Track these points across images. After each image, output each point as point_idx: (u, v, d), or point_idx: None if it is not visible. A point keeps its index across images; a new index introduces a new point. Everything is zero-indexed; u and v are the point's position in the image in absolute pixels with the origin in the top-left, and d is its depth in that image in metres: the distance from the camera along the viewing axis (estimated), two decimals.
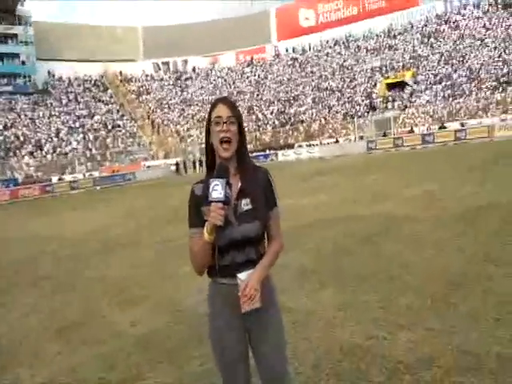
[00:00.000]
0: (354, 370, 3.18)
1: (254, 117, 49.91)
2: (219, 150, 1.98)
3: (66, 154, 43.29)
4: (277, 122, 48.21)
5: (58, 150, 43.43)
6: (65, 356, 4.14)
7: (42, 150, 42.69)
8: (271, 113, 50.15)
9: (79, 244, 10.04)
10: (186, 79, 61.73)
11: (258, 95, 54.32)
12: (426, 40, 47.69)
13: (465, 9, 48.91)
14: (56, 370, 3.86)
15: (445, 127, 35.36)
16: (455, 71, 40.75)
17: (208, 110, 2.06)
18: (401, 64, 46.21)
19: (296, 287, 5.03)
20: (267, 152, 42.77)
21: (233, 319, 2.01)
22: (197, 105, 55.18)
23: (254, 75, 59.17)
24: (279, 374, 2.06)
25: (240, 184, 2.00)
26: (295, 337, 3.78)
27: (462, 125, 34.76)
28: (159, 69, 64.74)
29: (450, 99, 38.49)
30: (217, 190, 1.83)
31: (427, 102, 40.03)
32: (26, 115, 46.55)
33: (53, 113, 48.40)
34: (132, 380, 3.51)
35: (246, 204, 1.98)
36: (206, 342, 3.25)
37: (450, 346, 3.31)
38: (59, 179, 39.15)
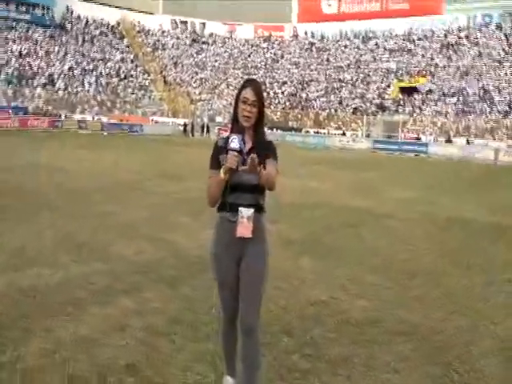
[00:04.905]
0: (316, 317, 4.06)
1: (265, 94, 50.06)
2: (241, 120, 2.53)
3: (77, 93, 43.32)
4: (287, 104, 48.84)
5: (70, 88, 43.39)
6: (79, 265, 5.04)
7: (54, 84, 42.65)
8: (282, 93, 50.69)
9: (84, 181, 10.90)
10: (203, 43, 61.32)
11: (271, 72, 54.66)
12: (444, 50, 48.63)
13: (487, 27, 49.38)
14: (71, 274, 4.75)
15: (451, 141, 36.37)
16: (469, 87, 41.95)
17: (238, 88, 2.64)
18: (417, 69, 47.21)
19: (279, 252, 5.69)
20: (274, 131, 42.25)
21: (230, 245, 2.54)
22: (211, 70, 55.16)
23: (270, 52, 59.30)
24: (251, 325, 2.53)
25: (252, 144, 2.55)
26: (272, 288, 4.37)
27: (468, 142, 35.86)
28: (177, 26, 63.49)
29: (461, 114, 39.77)
30: (234, 142, 2.39)
31: (437, 112, 41.29)
32: (41, 47, 45.88)
33: (68, 50, 47.79)
34: (133, 291, 4.37)
35: None
36: (198, 276, 4.65)
37: (395, 314, 4.19)
38: (67, 116, 39.46)
